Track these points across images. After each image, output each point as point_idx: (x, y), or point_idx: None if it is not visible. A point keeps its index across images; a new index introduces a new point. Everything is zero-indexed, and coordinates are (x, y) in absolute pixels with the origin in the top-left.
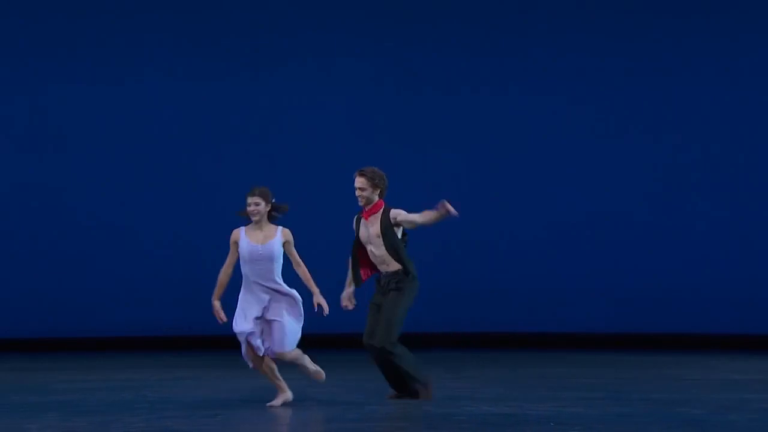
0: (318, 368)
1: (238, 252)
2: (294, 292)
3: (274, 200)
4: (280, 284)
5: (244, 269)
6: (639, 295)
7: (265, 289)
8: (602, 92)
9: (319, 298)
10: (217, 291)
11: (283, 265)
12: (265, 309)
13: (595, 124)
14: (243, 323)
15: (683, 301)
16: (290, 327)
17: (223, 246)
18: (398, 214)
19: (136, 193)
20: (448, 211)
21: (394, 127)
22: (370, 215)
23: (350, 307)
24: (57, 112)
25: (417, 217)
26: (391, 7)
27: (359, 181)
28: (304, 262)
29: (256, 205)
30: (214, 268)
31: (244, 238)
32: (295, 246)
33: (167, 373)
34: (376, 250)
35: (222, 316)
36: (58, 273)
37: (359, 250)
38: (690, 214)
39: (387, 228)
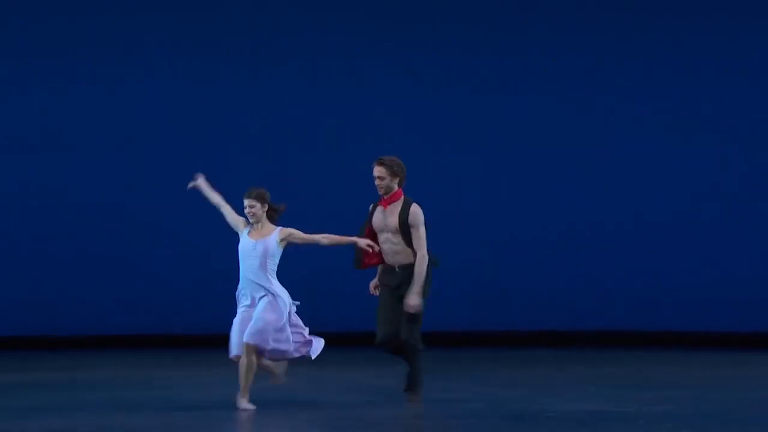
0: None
1: (235, 221)
2: (283, 293)
3: (271, 201)
4: (271, 282)
5: (240, 267)
6: (654, 293)
7: (257, 286)
8: (602, 95)
9: (362, 242)
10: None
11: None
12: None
13: (596, 126)
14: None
15: (702, 299)
16: (265, 323)
17: (228, 244)
18: (415, 221)
19: (141, 191)
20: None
21: (396, 127)
22: (389, 203)
23: (377, 294)
24: (58, 112)
25: (420, 245)
26: (393, 7)
27: (378, 170)
28: (317, 235)
29: (251, 207)
30: (221, 268)
31: (245, 235)
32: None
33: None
34: (394, 238)
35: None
36: (67, 272)
37: (368, 237)
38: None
39: (404, 223)
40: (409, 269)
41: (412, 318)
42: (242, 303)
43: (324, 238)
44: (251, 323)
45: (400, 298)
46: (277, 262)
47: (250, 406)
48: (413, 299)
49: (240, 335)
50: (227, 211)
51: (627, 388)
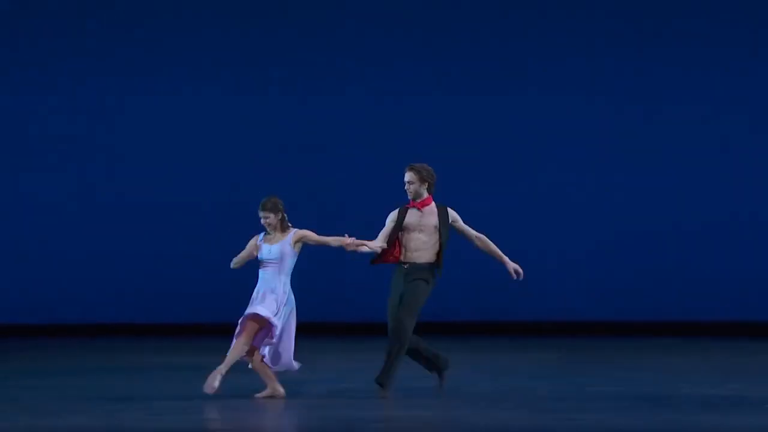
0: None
1: (251, 252)
2: (290, 297)
3: (284, 209)
4: (284, 283)
5: (259, 273)
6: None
7: (272, 285)
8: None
9: (353, 242)
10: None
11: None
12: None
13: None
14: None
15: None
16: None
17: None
18: (456, 219)
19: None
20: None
21: (416, 134)
22: (423, 206)
23: (355, 244)
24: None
25: (471, 234)
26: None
27: (408, 175)
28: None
29: (266, 218)
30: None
31: (263, 244)
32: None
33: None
34: (425, 237)
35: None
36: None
37: (397, 235)
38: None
39: (444, 223)
40: (420, 265)
41: (413, 305)
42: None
43: (335, 241)
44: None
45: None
46: (293, 263)
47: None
48: (514, 264)
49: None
50: (244, 256)
51: (747, 375)
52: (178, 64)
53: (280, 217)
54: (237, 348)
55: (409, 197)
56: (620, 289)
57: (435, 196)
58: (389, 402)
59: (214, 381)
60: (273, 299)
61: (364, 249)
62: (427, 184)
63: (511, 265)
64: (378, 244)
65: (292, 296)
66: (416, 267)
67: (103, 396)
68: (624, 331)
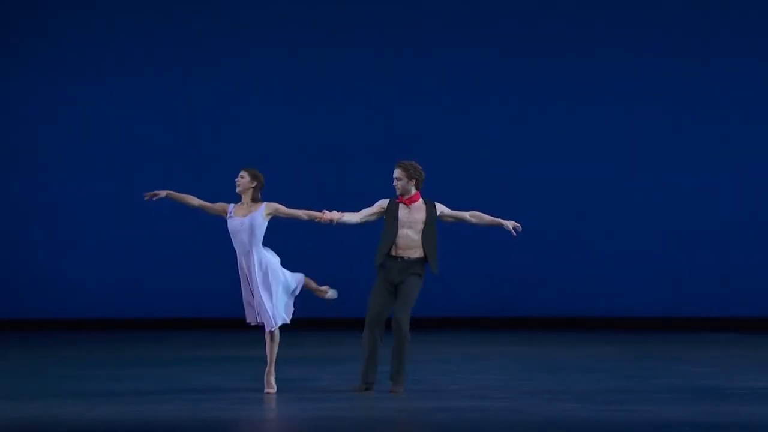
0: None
1: (217, 211)
2: (272, 257)
3: (259, 184)
4: (260, 251)
5: (233, 243)
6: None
7: (249, 256)
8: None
9: (325, 215)
10: (177, 194)
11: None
12: (252, 286)
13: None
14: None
15: None
16: (276, 301)
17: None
18: (443, 210)
19: None
20: (512, 227)
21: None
22: (411, 203)
23: (327, 218)
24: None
25: (465, 215)
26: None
27: (396, 172)
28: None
29: (242, 177)
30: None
31: (232, 215)
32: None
33: None
34: (414, 234)
35: (156, 193)
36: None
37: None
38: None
39: (432, 219)
40: (414, 261)
41: (411, 305)
42: (241, 273)
43: (304, 214)
44: (262, 310)
45: (397, 287)
46: (262, 233)
47: (273, 389)
48: (511, 222)
49: (248, 306)
50: (207, 205)
51: None
52: (179, 65)
53: (254, 185)
54: (271, 345)
55: (397, 193)
56: (679, 287)
57: (450, 193)
58: (455, 393)
59: (270, 381)
60: (279, 288)
61: (335, 221)
62: (414, 180)
63: (509, 224)
64: (350, 216)
65: (270, 254)
66: (409, 262)
67: (181, 387)
68: (683, 327)
